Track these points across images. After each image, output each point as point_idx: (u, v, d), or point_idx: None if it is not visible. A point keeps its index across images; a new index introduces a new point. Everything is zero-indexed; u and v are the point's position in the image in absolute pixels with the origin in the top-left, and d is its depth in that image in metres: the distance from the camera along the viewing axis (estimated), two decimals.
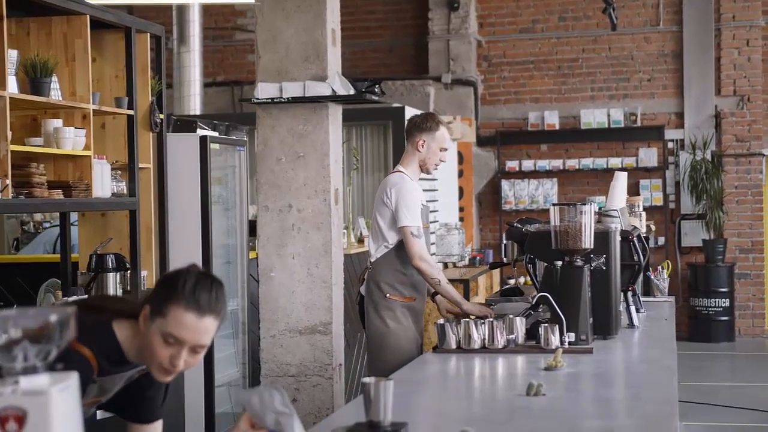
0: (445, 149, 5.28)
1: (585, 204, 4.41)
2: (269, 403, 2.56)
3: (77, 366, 2.45)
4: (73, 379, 1.82)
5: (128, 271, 5.63)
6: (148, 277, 5.89)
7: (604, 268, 4.48)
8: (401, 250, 5.10)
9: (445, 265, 10.03)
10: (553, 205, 4.44)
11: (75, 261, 5.86)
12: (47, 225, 8.69)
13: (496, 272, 11.25)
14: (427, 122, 5.26)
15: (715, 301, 11.96)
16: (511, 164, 12.68)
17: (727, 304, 11.98)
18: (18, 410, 1.74)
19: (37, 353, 1.79)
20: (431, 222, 6.23)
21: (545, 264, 4.50)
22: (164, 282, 2.59)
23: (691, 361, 10.82)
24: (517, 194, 12.71)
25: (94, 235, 5.80)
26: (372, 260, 5.24)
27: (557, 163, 12.56)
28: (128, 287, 5.66)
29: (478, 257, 11.33)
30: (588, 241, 4.35)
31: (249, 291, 6.91)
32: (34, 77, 4.88)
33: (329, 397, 5.57)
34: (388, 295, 5.12)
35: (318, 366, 5.59)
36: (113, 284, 5.53)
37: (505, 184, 12.65)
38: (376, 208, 5.21)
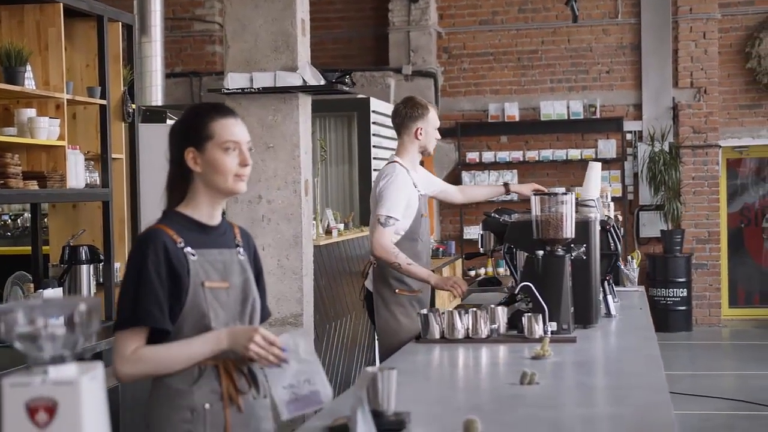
0: (438, 126, 5.41)
1: (566, 194, 4.42)
2: (293, 351, 2.56)
3: (153, 235, 2.74)
4: (98, 369, 1.80)
5: (101, 263, 5.57)
6: (122, 269, 5.83)
7: (585, 257, 4.50)
8: (406, 243, 5.05)
9: None
10: (535, 194, 4.45)
11: (45, 253, 5.78)
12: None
13: (459, 263, 11.30)
14: (418, 110, 5.29)
15: (673, 291, 12.10)
16: (472, 156, 12.72)
17: (685, 293, 12.13)
18: (48, 401, 1.72)
19: (65, 343, 1.77)
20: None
21: (526, 254, 4.51)
22: (186, 124, 2.86)
23: None
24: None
25: (65, 227, 5.72)
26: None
27: (517, 155, 12.61)
28: (101, 279, 5.60)
29: (441, 249, 11.37)
30: (569, 231, 4.37)
31: None
32: (8, 66, 4.81)
33: None
34: (397, 290, 5.08)
35: None
36: (86, 276, 5.46)
37: (465, 176, 12.68)
38: (373, 202, 5.15)
